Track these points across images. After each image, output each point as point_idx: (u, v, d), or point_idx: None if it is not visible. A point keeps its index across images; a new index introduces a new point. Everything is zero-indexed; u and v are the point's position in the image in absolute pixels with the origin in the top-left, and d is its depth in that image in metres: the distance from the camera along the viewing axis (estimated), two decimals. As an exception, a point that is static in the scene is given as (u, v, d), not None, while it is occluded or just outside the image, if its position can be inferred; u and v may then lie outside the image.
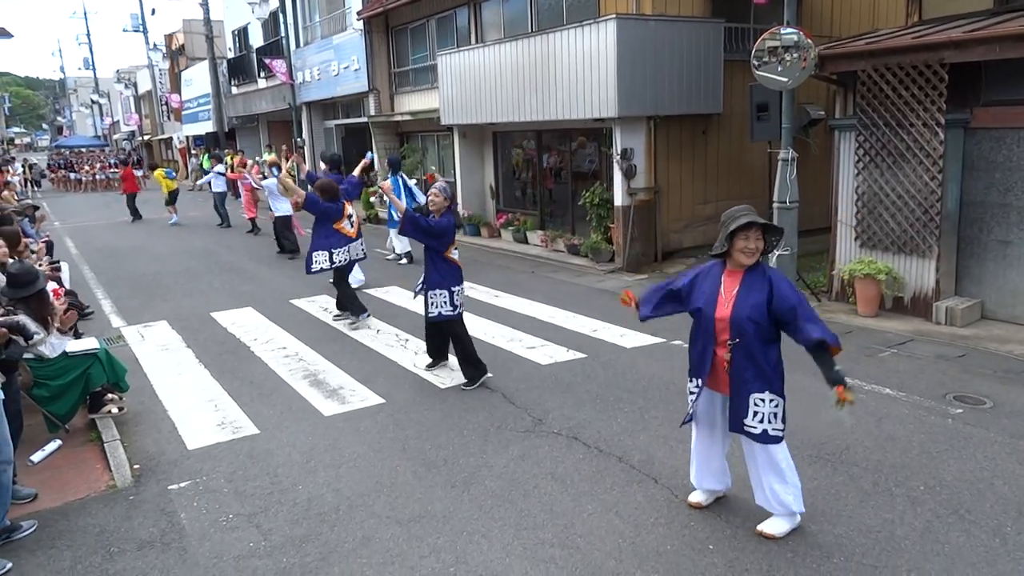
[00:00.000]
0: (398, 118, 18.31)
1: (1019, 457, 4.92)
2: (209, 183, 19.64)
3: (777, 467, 4.02)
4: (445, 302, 6.44)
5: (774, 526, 4.08)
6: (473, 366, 6.61)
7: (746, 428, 3.97)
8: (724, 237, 3.90)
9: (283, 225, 13.85)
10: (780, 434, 3.98)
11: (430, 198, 6.43)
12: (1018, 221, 7.75)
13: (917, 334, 7.77)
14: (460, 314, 6.56)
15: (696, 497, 4.45)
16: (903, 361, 6.99)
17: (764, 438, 3.96)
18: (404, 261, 12.86)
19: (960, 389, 6.20)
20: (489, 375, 6.67)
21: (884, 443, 5.19)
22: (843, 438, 5.25)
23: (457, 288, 6.47)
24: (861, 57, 8.26)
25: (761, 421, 3.92)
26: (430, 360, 7.11)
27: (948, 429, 5.41)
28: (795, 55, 8.29)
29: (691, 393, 4.19)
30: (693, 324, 4.14)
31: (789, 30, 8.37)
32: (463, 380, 6.63)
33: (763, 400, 3.91)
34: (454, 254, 6.47)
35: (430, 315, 6.54)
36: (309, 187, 9.22)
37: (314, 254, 8.50)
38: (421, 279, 6.64)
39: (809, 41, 8.27)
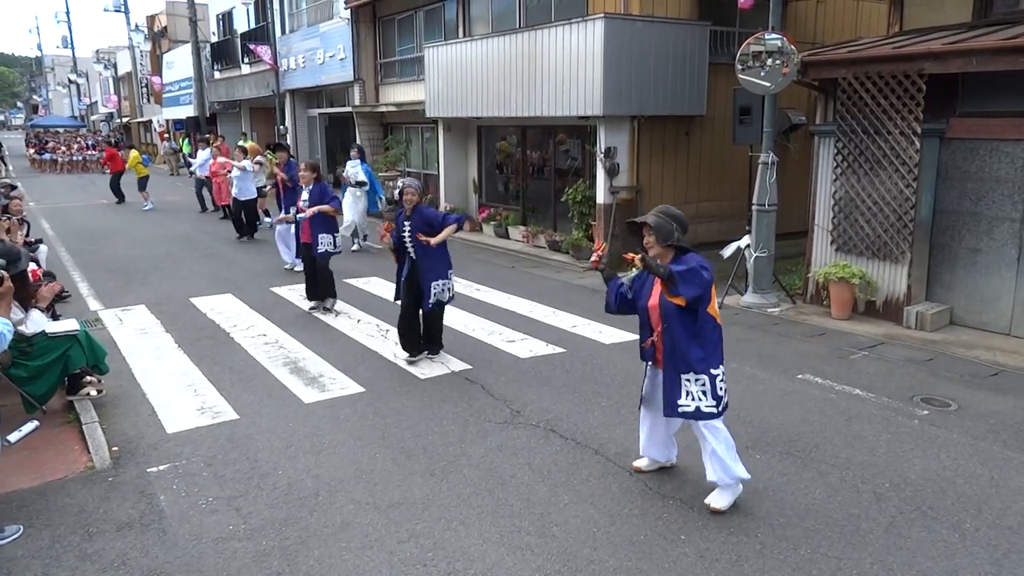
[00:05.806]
0: (383, 109, 18.29)
1: (980, 458, 5.08)
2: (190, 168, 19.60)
3: (717, 440, 4.30)
4: (449, 287, 6.92)
5: (720, 499, 4.37)
6: (440, 344, 7.23)
7: (680, 409, 4.25)
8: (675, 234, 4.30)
9: (247, 208, 14.06)
10: (714, 410, 4.24)
11: (406, 197, 6.70)
12: (988, 230, 7.95)
13: (888, 337, 7.95)
14: None
15: (640, 462, 4.89)
16: (873, 363, 7.16)
17: (698, 415, 4.24)
18: (356, 247, 13.12)
19: (927, 392, 6.36)
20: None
21: (852, 441, 5.34)
22: (813, 436, 5.39)
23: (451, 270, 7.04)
24: (842, 65, 8.41)
25: (693, 399, 4.22)
26: (413, 354, 7.10)
27: (914, 430, 5.57)
28: (778, 60, 8.42)
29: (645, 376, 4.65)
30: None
31: (773, 35, 8.49)
32: (430, 354, 7.16)
33: (689, 380, 4.22)
34: None
35: (441, 301, 6.90)
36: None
37: (320, 236, 8.73)
38: (403, 278, 6.90)
39: (792, 47, 8.39)
